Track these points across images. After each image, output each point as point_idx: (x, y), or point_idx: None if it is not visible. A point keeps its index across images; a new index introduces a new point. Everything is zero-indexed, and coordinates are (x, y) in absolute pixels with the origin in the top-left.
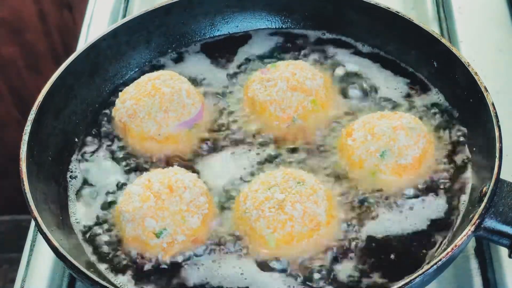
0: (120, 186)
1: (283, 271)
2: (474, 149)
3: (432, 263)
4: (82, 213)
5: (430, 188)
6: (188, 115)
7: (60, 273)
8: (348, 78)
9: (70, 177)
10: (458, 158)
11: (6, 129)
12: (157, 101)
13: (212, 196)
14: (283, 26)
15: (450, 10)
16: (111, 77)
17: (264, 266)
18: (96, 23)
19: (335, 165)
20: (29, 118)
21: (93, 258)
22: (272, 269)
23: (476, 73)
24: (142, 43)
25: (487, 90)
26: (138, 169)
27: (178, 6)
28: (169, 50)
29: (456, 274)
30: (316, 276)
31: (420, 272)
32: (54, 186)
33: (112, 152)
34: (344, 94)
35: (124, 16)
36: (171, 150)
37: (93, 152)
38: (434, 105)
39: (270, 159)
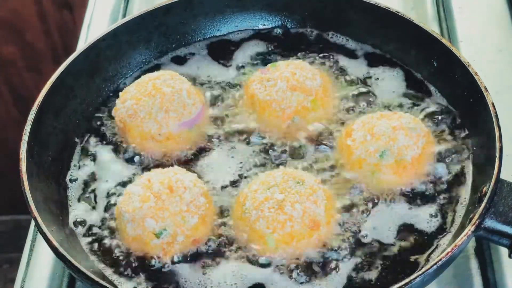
0: (120, 186)
1: (282, 271)
2: (474, 149)
3: (432, 263)
4: (82, 213)
5: (430, 188)
6: (189, 115)
7: (60, 273)
8: (348, 78)
9: (70, 177)
10: (458, 158)
11: (6, 129)
12: (157, 101)
13: (212, 196)
14: (283, 26)
15: (450, 10)
16: (111, 77)
17: (264, 266)
18: (96, 23)
19: (334, 165)
20: (29, 118)
21: (93, 258)
22: (272, 269)
23: (476, 73)
24: (142, 43)
25: (487, 90)
26: (138, 169)
27: (178, 6)
28: (169, 50)
29: (456, 274)
30: (317, 275)
31: (420, 272)
32: (54, 186)
33: (112, 152)
34: (344, 94)
35: (124, 16)
36: (171, 150)
37: (93, 152)
38: (433, 105)
39: (269, 159)
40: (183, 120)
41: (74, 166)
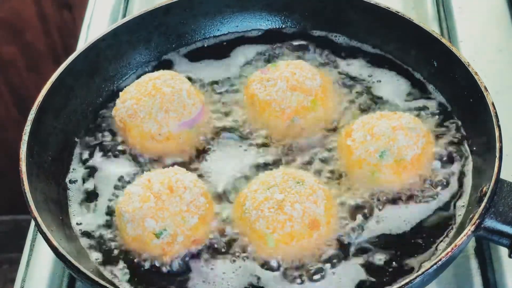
0: (120, 186)
1: (282, 271)
2: (474, 148)
3: (432, 263)
4: (82, 213)
5: (430, 188)
6: (189, 115)
7: (60, 273)
8: (348, 78)
9: (70, 177)
10: (458, 158)
11: (6, 129)
12: (157, 101)
13: (212, 196)
14: (283, 26)
15: (450, 10)
16: (111, 77)
17: (263, 266)
18: (96, 23)
19: (334, 165)
20: (29, 118)
21: (93, 258)
22: (271, 269)
23: (476, 73)
24: (142, 43)
25: (487, 90)
26: (138, 169)
27: (178, 6)
28: (169, 50)
29: (456, 274)
30: (316, 276)
31: (420, 272)
32: (54, 186)
33: (112, 152)
34: (344, 94)
35: (124, 16)
36: (171, 150)
37: (93, 152)
38: (433, 105)
39: (269, 159)
40: (183, 120)
41: (74, 166)
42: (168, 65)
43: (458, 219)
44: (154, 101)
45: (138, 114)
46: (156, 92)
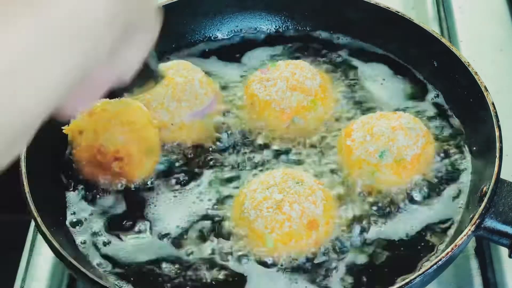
0: None
1: (281, 271)
2: (474, 149)
3: (432, 263)
4: (82, 213)
5: (430, 188)
6: (201, 105)
7: (60, 273)
8: (348, 78)
9: (71, 175)
10: (458, 158)
11: None
12: (170, 91)
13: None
14: (283, 26)
15: (450, 10)
16: None
17: (262, 266)
18: None
19: (334, 165)
20: None
21: (93, 258)
22: (270, 269)
23: (476, 73)
24: None
25: (487, 90)
26: None
27: (178, 6)
28: (169, 50)
29: (456, 274)
30: (315, 276)
31: (420, 272)
32: (54, 186)
33: None
34: (344, 94)
35: None
36: (184, 140)
37: None
38: (433, 105)
39: (269, 159)
40: (195, 109)
41: (74, 165)
42: None
43: (458, 219)
44: (167, 91)
45: (150, 104)
46: (168, 82)
